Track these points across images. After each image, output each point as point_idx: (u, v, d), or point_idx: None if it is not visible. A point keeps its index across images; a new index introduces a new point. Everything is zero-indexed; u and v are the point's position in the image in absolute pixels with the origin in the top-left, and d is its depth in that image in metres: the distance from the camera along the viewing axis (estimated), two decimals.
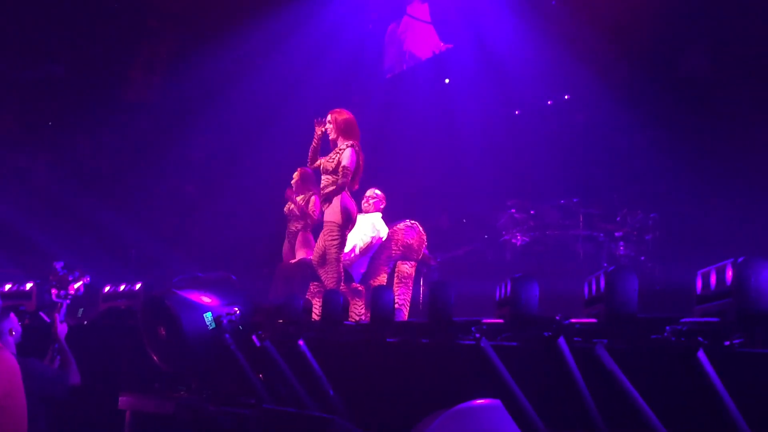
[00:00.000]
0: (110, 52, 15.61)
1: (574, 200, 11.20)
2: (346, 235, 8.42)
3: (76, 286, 6.38)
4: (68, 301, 6.34)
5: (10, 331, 5.45)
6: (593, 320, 3.74)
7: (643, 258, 10.56)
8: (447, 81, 13.96)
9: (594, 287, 3.79)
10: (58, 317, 6.20)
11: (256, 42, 13.76)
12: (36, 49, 15.31)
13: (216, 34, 14.15)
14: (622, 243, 10.74)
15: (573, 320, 3.83)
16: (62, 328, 6.15)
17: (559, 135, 12.12)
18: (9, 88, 15.84)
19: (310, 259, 8.77)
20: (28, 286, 8.24)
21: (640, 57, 11.35)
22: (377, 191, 9.29)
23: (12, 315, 5.55)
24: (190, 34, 15.22)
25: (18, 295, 8.21)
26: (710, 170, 10.08)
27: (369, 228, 8.92)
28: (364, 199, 9.22)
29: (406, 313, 8.72)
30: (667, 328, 3.34)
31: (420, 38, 14.41)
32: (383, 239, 8.89)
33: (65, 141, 15.64)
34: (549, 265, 10.83)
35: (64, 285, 6.31)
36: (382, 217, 9.15)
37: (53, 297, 6.31)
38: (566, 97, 12.44)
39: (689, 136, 10.51)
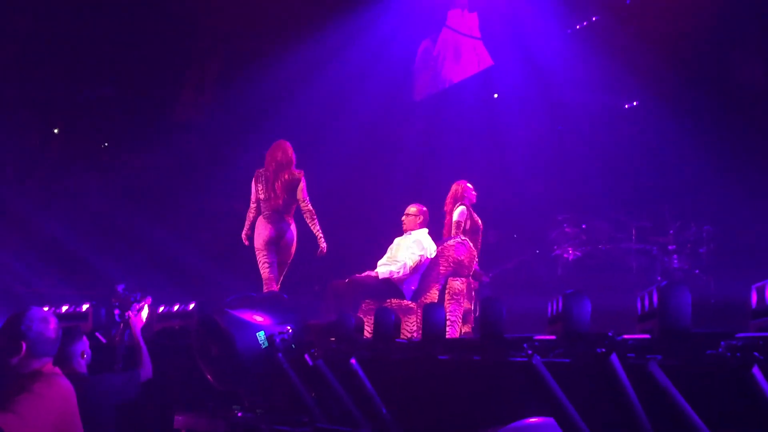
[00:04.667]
0: (160, 73, 15.83)
1: (626, 214, 11.11)
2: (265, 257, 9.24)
3: (143, 313, 6.48)
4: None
5: (82, 354, 5.55)
6: (646, 336, 3.70)
7: (697, 271, 10.44)
8: (496, 96, 13.94)
9: (647, 302, 3.74)
10: (132, 312, 6.33)
11: (304, 60, 13.87)
12: (88, 72, 15.57)
13: (263, 55, 14.29)
14: (675, 256, 10.63)
15: (626, 336, 3.79)
16: (137, 321, 6.30)
17: (610, 148, 12.03)
18: (62, 110, 16.13)
19: (360, 277, 8.81)
20: (85, 307, 8.34)
21: (691, 68, 11.24)
22: (419, 207, 9.29)
23: (84, 338, 5.65)
24: (238, 54, 15.39)
25: (75, 316, 8.30)
26: (765, 181, 9.93)
27: (416, 246, 8.92)
28: (406, 215, 9.25)
29: (458, 330, 8.70)
30: (722, 343, 3.29)
31: (462, 54, 14.39)
32: (431, 256, 8.88)
33: (117, 161, 15.86)
34: (601, 280, 10.74)
35: (126, 306, 6.43)
36: (429, 233, 9.16)
37: (116, 318, 6.43)
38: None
39: (742, 147, 10.38)
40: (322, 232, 9.37)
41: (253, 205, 9.41)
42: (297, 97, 14.13)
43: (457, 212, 9.50)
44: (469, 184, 9.74)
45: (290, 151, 9.46)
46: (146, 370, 6.04)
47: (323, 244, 9.37)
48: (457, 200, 9.62)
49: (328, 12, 13.83)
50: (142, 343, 6.17)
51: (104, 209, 14.88)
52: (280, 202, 9.25)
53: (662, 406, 3.43)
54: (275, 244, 9.32)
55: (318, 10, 14.03)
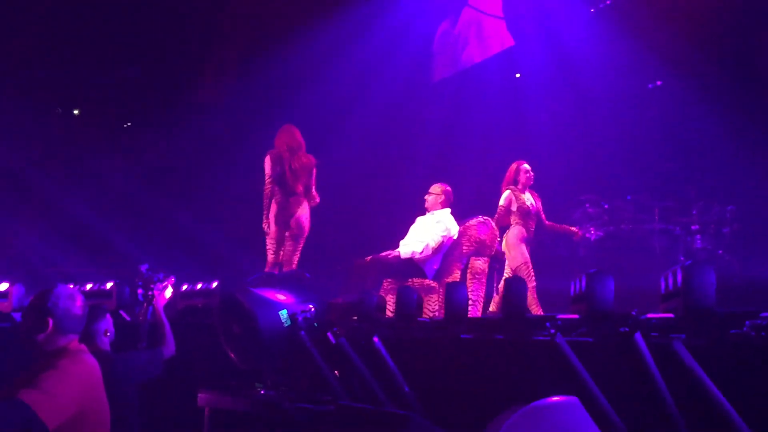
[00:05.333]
0: (183, 54, 15.86)
1: (649, 194, 11.05)
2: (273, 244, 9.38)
3: (166, 291, 6.52)
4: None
5: (105, 332, 5.59)
6: (670, 315, 3.69)
7: (720, 251, 10.39)
8: (518, 75, 13.87)
9: (671, 282, 3.73)
10: (156, 290, 6.39)
11: (326, 41, 13.84)
12: (112, 54, 15.62)
13: (286, 36, 14.28)
14: (698, 236, 10.58)
15: (649, 315, 3.78)
16: (161, 299, 6.35)
17: (633, 128, 11.95)
18: (86, 92, 16.20)
19: (382, 256, 8.82)
20: (109, 285, 8.39)
21: (715, 46, 11.13)
22: (442, 186, 9.23)
23: (108, 316, 5.69)
24: (260, 36, 15.38)
25: (99, 294, 8.36)
26: None
27: (439, 226, 8.90)
28: (428, 195, 9.21)
29: (480, 309, 8.71)
30: (747, 322, 3.29)
31: (484, 33, 14.32)
32: (454, 237, 8.86)
33: (141, 142, 15.93)
34: (624, 260, 10.71)
35: (149, 286, 6.48)
36: (452, 213, 9.13)
37: (140, 297, 6.49)
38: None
39: (767, 127, 10.29)
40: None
41: (268, 180, 9.33)
42: (318, 78, 14.11)
43: (503, 197, 9.44)
44: (525, 165, 9.59)
45: (298, 135, 9.44)
46: (169, 347, 6.10)
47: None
48: (509, 183, 9.55)
49: None
50: (165, 321, 6.21)
51: (127, 190, 14.95)
52: (299, 185, 9.25)
53: (686, 385, 3.43)
54: (287, 226, 9.36)
55: None
